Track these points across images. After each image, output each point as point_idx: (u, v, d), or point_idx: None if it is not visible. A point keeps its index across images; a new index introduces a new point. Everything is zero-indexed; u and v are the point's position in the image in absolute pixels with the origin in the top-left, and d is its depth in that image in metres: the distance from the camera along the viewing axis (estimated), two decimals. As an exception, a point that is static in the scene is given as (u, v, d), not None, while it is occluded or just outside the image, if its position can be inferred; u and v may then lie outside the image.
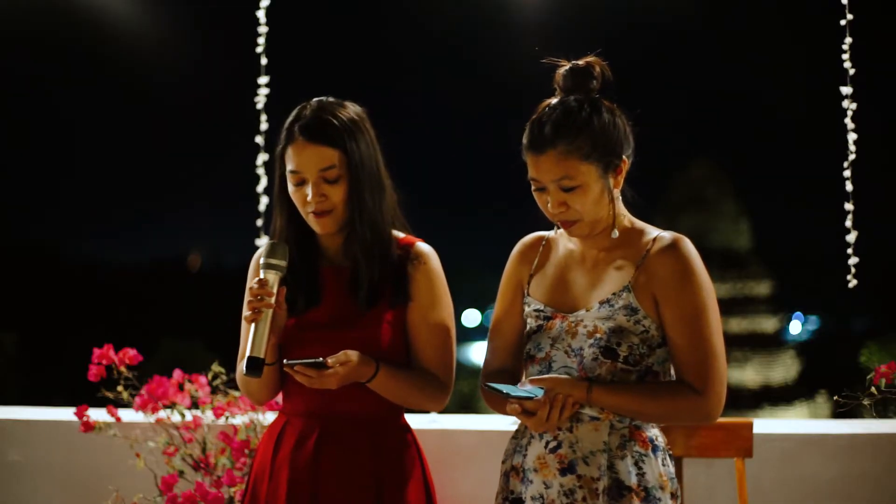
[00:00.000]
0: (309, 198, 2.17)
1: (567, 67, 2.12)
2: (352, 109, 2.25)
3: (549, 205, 2.06)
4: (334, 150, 2.18)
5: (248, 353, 2.05)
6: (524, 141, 2.08)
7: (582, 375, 2.05)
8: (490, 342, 2.25)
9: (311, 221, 2.21)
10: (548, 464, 2.06)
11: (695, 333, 2.04)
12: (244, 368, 2.06)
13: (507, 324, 2.23)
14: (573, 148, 2.01)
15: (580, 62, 2.12)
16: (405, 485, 2.22)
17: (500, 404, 2.15)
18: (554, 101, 2.10)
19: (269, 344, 2.11)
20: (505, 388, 2.00)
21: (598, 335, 2.05)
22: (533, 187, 2.08)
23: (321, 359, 2.08)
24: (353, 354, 2.12)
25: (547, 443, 2.08)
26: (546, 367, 2.09)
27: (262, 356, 2.05)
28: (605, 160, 2.05)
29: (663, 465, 2.08)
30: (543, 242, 2.24)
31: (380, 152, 2.27)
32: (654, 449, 2.08)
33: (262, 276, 2.10)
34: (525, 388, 2.01)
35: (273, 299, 2.08)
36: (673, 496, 2.08)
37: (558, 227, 2.17)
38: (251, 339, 2.06)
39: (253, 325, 2.07)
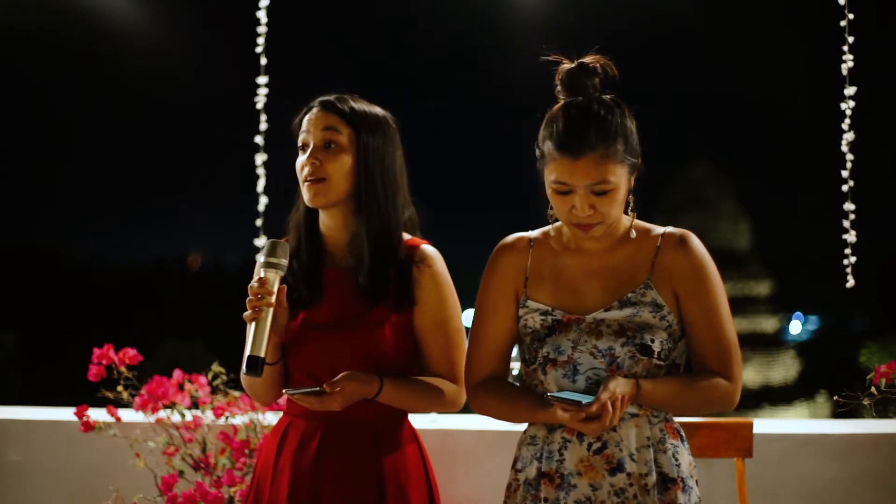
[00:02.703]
0: (304, 160, 2.19)
1: (574, 66, 2.10)
2: (379, 109, 2.28)
3: (575, 208, 2.03)
4: (344, 124, 2.21)
5: (247, 353, 2.05)
6: (553, 145, 2.03)
7: (620, 374, 2.03)
8: (477, 347, 2.19)
9: (304, 190, 2.21)
10: (594, 466, 2.04)
11: (716, 324, 2.09)
12: (244, 368, 2.06)
13: (498, 329, 2.18)
14: (611, 152, 2.00)
15: (586, 60, 2.10)
16: (408, 487, 2.20)
17: (504, 412, 2.14)
18: (574, 102, 2.07)
19: (270, 343, 2.10)
20: (570, 395, 1.97)
21: (628, 333, 2.05)
22: (555, 190, 2.04)
23: (317, 388, 2.08)
24: (353, 376, 2.11)
25: (590, 445, 2.06)
26: (571, 370, 2.06)
27: (261, 355, 2.04)
28: (632, 162, 2.06)
29: (689, 453, 2.13)
30: (531, 243, 2.20)
31: (402, 159, 2.28)
32: (682, 440, 2.12)
33: (262, 274, 2.10)
34: (569, 394, 1.99)
35: (273, 298, 2.07)
36: (696, 483, 2.12)
37: (553, 220, 2.14)
38: (251, 338, 2.05)
39: (253, 324, 2.06)
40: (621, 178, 2.02)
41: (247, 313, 2.07)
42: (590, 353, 2.05)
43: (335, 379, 2.09)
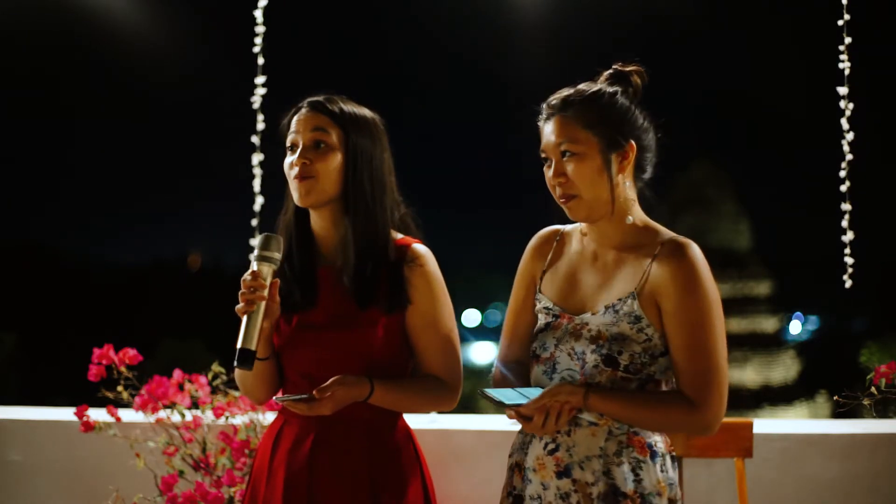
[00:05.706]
0: (294, 159, 2.18)
1: (609, 71, 2.13)
2: (367, 111, 2.27)
3: (550, 177, 2.08)
4: (333, 124, 2.20)
5: (238, 345, 2.04)
6: (539, 119, 2.12)
7: (583, 380, 2.03)
8: (504, 335, 2.24)
9: (294, 188, 2.20)
10: (545, 465, 2.06)
11: (696, 344, 1.99)
12: (235, 361, 2.05)
13: (521, 318, 2.22)
14: (577, 115, 2.04)
15: (623, 67, 2.13)
16: (403, 486, 2.20)
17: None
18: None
19: (262, 337, 2.10)
20: (498, 394, 1.99)
21: (600, 341, 2.04)
22: (544, 164, 2.10)
23: (306, 395, 2.08)
24: (343, 381, 2.10)
25: (546, 444, 2.07)
26: (550, 368, 2.08)
27: (252, 348, 2.04)
28: (608, 135, 2.04)
29: (661, 470, 2.05)
30: (558, 237, 2.22)
31: (390, 160, 2.28)
32: (653, 455, 2.05)
33: (254, 267, 2.09)
34: (521, 391, 2.00)
35: (266, 291, 2.07)
36: (671, 501, 2.06)
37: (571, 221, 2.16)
38: (242, 331, 2.04)
39: (245, 317, 2.05)
40: (588, 145, 2.03)
41: (239, 306, 2.06)
42: (568, 353, 2.06)
43: (325, 384, 2.09)
